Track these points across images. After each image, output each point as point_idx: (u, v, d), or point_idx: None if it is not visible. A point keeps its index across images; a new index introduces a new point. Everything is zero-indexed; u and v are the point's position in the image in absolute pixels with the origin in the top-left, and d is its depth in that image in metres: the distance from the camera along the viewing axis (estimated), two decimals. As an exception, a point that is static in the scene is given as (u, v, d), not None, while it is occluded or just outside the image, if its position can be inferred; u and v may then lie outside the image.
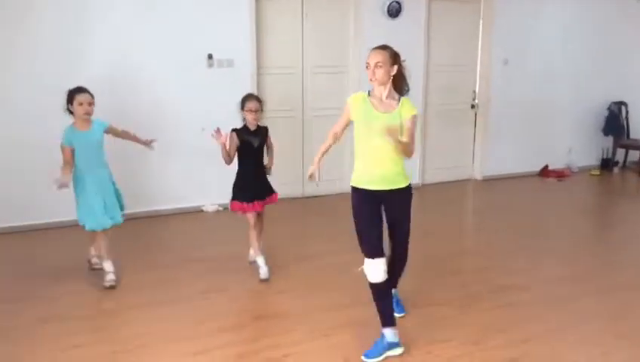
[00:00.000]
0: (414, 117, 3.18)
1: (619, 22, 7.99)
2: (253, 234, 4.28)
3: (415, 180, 7.04)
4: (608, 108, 8.05)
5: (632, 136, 8.23)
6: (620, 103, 8.10)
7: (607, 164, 8.16)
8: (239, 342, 3.32)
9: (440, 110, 7.19)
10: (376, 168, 3.14)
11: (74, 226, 4.33)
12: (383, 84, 3.15)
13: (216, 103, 5.70)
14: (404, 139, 3.05)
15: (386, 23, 6.54)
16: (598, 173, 7.94)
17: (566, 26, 7.67)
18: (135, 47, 5.52)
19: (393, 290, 3.38)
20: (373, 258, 3.06)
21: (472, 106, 7.44)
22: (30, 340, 3.31)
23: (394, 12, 6.51)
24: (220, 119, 5.97)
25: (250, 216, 4.21)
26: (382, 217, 3.19)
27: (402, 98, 3.23)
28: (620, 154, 8.26)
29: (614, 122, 8.03)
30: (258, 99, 4.23)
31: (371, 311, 3.21)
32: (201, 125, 5.50)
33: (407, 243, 3.30)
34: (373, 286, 3.11)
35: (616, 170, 8.15)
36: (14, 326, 3.47)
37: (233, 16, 5.86)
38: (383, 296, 3.13)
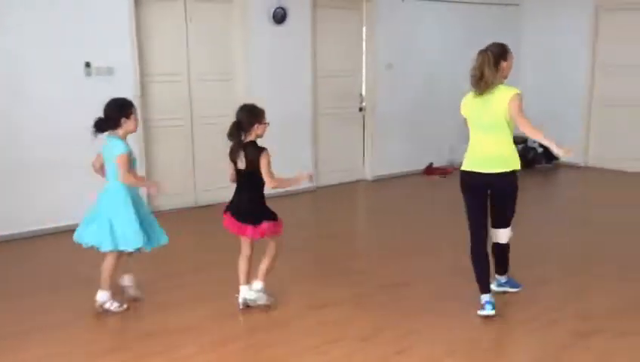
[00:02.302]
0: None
1: (492, 27, 8.58)
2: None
3: (309, 183, 7.15)
4: (484, 108, 8.64)
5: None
6: (494, 103, 8.72)
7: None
8: (127, 362, 3.19)
9: (330, 114, 7.35)
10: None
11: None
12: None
13: (96, 114, 5.44)
14: None
15: (272, 29, 6.58)
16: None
17: (446, 31, 8.14)
18: (5, 57, 5.14)
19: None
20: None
21: (360, 109, 7.69)
22: None
23: (279, 18, 6.57)
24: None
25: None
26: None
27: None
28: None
29: (490, 121, 8.62)
30: None
31: (263, 319, 3.21)
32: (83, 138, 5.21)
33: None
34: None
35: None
36: None
37: (112, 21, 5.61)
38: None
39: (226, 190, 6.51)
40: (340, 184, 7.45)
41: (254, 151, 3.57)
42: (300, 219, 6.02)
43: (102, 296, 3.71)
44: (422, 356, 3.20)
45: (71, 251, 4.08)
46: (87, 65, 5.51)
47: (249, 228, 3.62)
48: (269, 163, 3.57)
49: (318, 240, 5.39)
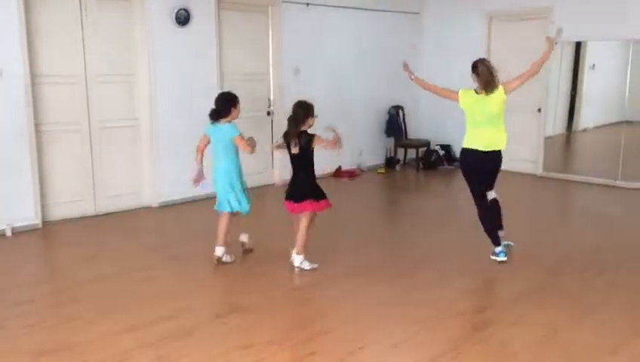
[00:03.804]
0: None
1: (395, 34, 8.90)
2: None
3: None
4: (388, 112, 8.92)
5: (409, 136, 9.21)
6: (398, 107, 9.02)
7: (390, 163, 9.02)
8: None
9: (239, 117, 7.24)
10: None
11: None
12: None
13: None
14: None
15: (176, 31, 6.40)
16: (384, 171, 8.73)
17: (351, 37, 8.31)
18: None
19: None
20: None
21: (269, 113, 7.66)
22: None
23: (182, 20, 6.40)
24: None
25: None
26: None
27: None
28: (401, 152, 9.20)
29: (394, 124, 8.92)
30: None
31: (166, 329, 3.08)
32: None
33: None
34: None
35: (398, 167, 9.05)
36: None
37: (-2, 19, 5.23)
38: None
39: (128, 196, 6.34)
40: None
41: (307, 138, 4.37)
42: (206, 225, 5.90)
43: (219, 251, 4.58)
44: (334, 356, 3.22)
45: None
46: (-30, 65, 5.09)
47: (307, 204, 4.39)
48: (320, 137, 4.43)
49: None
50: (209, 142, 4.69)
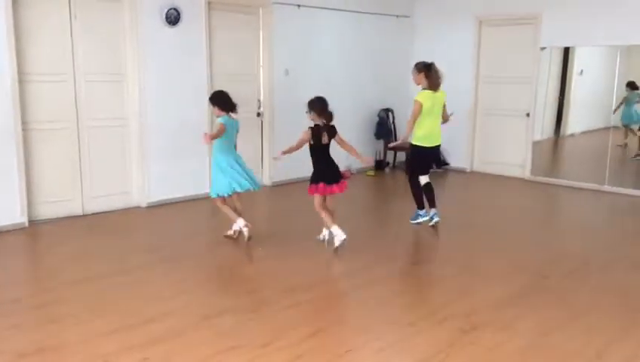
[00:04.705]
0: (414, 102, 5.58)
1: (386, 36, 8.93)
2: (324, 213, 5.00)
3: (205, 190, 6.99)
4: (378, 115, 8.93)
5: (398, 139, 9.21)
6: (388, 110, 9.04)
7: (380, 165, 9.03)
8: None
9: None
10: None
11: None
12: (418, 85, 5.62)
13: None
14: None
15: (166, 30, 6.37)
16: (374, 173, 8.74)
17: (340, 39, 8.32)
18: None
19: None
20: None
21: (258, 115, 7.64)
22: None
23: (172, 19, 6.37)
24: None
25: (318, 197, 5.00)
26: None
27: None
28: (391, 155, 9.22)
29: (383, 127, 8.93)
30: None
31: (153, 331, 3.04)
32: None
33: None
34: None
35: (387, 170, 9.07)
36: None
37: (-15, 15, 5.17)
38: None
39: (116, 196, 6.29)
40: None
41: (334, 131, 5.04)
42: (196, 226, 5.87)
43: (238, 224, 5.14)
44: (322, 359, 3.21)
45: None
46: (-44, 61, 5.03)
47: (335, 187, 4.96)
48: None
49: (212, 246, 5.27)
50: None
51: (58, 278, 4.37)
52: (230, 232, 5.28)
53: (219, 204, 5.18)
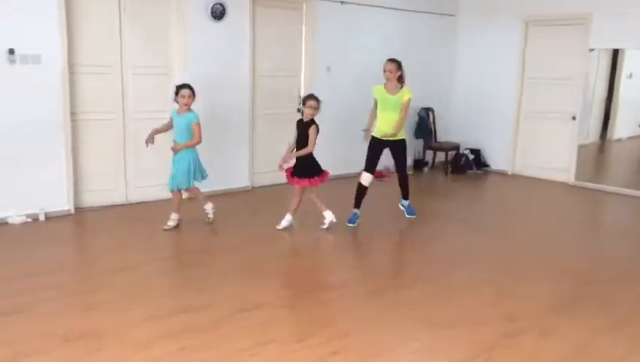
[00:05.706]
0: (408, 100, 5.71)
1: (429, 35, 8.82)
2: (293, 202, 5.49)
3: (245, 183, 7.07)
4: (418, 114, 8.84)
5: (438, 138, 9.12)
6: (428, 109, 8.94)
7: (419, 165, 8.94)
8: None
9: (267, 114, 7.28)
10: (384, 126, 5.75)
11: None
12: (392, 80, 5.74)
13: (20, 104, 5.18)
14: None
15: (211, 25, 6.45)
16: (412, 172, 8.64)
17: (383, 37, 8.25)
18: None
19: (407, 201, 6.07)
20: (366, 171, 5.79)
21: (298, 110, 7.65)
22: None
23: (218, 14, 6.45)
24: (24, 120, 5.44)
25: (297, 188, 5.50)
26: (380, 154, 5.85)
27: (403, 87, 5.76)
28: (430, 155, 9.11)
29: (423, 126, 8.84)
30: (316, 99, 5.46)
31: (193, 323, 3.08)
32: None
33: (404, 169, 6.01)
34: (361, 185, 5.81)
35: (426, 169, 8.98)
36: None
37: (39, 6, 5.32)
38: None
39: (157, 188, 6.40)
40: (276, 185, 7.38)
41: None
42: (235, 218, 5.93)
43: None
44: (357, 356, 3.20)
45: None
46: (11, 52, 5.19)
47: (305, 180, 5.44)
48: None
49: (252, 240, 5.31)
50: None
51: (99, 266, 4.48)
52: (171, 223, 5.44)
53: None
